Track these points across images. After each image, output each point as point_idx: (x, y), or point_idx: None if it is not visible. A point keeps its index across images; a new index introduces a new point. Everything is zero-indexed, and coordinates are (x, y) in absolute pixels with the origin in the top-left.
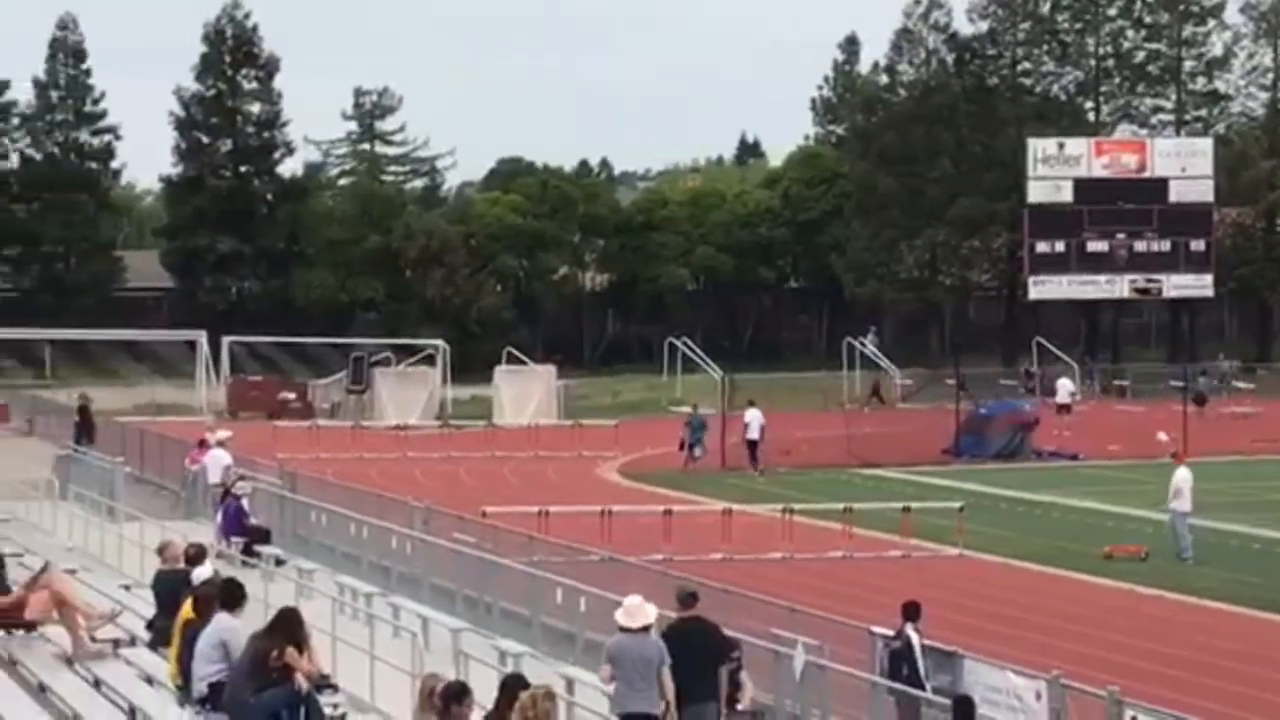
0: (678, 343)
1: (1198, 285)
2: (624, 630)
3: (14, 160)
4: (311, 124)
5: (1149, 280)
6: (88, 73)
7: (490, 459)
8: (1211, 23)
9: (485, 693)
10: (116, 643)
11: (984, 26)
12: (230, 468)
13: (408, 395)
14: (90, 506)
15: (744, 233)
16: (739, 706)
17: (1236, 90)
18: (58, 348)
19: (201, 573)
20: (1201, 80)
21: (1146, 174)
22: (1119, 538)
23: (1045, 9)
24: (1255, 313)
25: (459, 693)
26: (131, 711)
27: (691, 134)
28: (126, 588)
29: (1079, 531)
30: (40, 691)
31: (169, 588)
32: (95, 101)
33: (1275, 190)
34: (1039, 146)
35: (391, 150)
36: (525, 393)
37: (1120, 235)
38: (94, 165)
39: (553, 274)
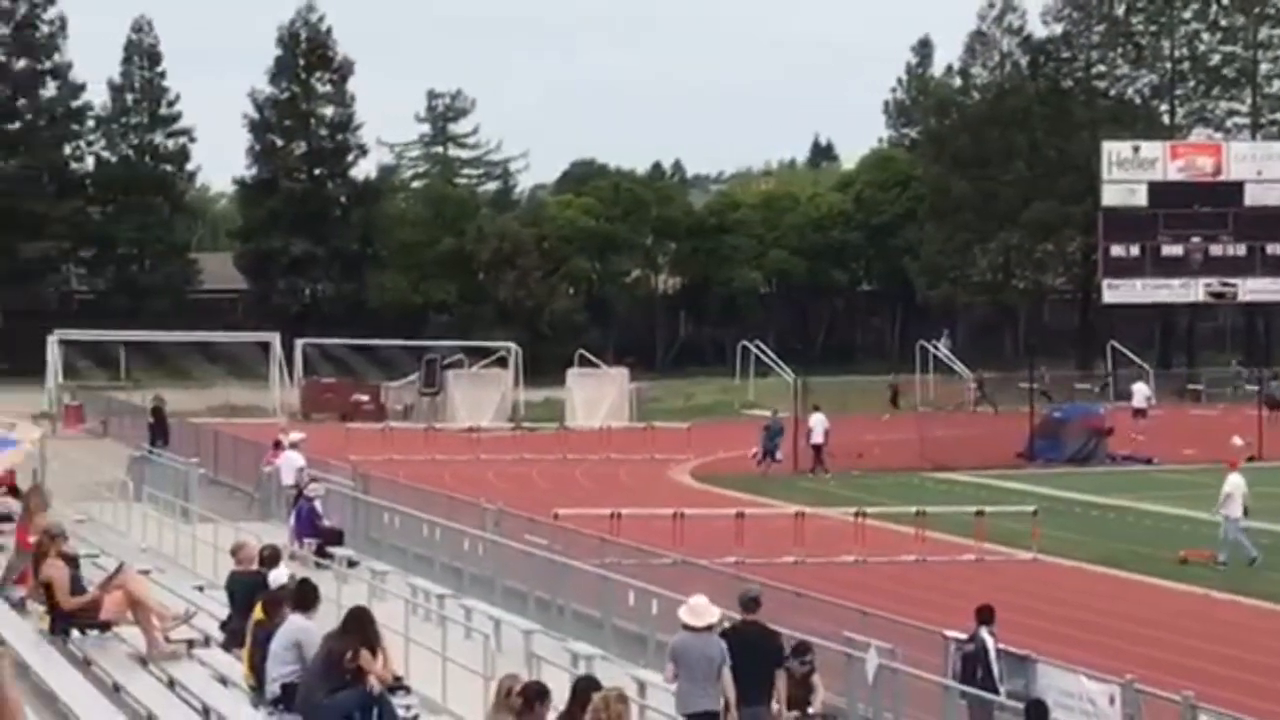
0: (750, 346)
1: (1273, 289)
2: (688, 629)
3: (90, 163)
4: (385, 127)
5: (1224, 284)
6: (162, 75)
7: (562, 461)
8: None
9: (557, 695)
10: (190, 643)
11: (1058, 29)
12: (303, 469)
13: (480, 397)
14: (164, 508)
15: (817, 235)
16: (810, 710)
17: None
18: (132, 349)
19: (278, 576)
20: (1277, 83)
21: (1222, 177)
22: (1193, 542)
23: (1120, 11)
24: None
25: (541, 692)
26: (205, 712)
27: (764, 137)
28: (200, 589)
29: (1153, 536)
30: (115, 691)
31: (243, 589)
32: (170, 104)
33: None
34: (1114, 150)
35: (464, 153)
36: (597, 395)
37: (1195, 239)
38: (169, 167)
39: (625, 276)
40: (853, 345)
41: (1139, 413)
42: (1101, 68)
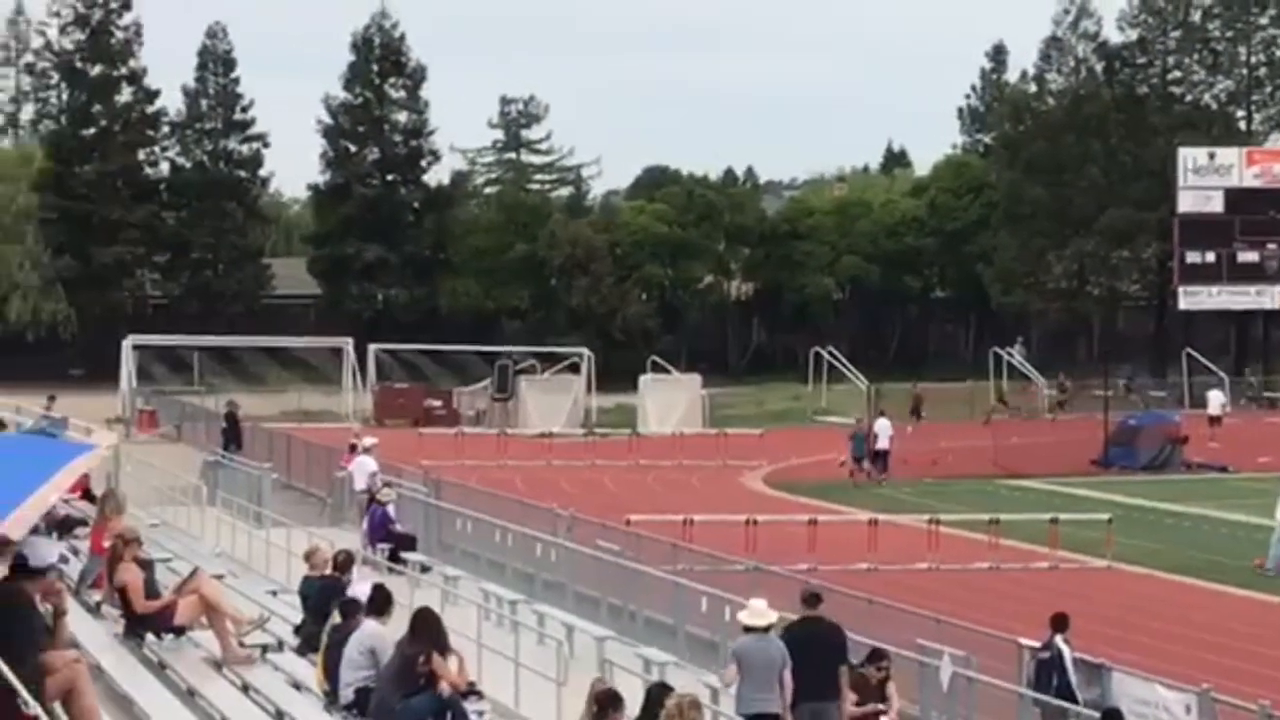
0: (823, 352)
1: None
2: (749, 630)
3: (164, 168)
4: (458, 133)
5: None
6: (237, 81)
7: (634, 467)
8: None
9: (630, 701)
10: (264, 648)
11: (1134, 35)
12: (376, 474)
13: (552, 403)
14: (238, 512)
15: (890, 242)
16: (885, 718)
17: None
18: (206, 354)
19: (363, 590)
20: None
21: None
22: (1267, 550)
23: (1196, 17)
24: None
25: (614, 698)
26: (279, 717)
27: (837, 143)
28: (274, 593)
29: (1228, 544)
30: (189, 696)
31: (316, 594)
32: (244, 110)
33: None
34: (1189, 156)
35: (537, 159)
36: (670, 401)
37: (1271, 245)
38: (243, 173)
39: (698, 283)
40: (925, 352)
41: (1214, 420)
42: (1177, 74)
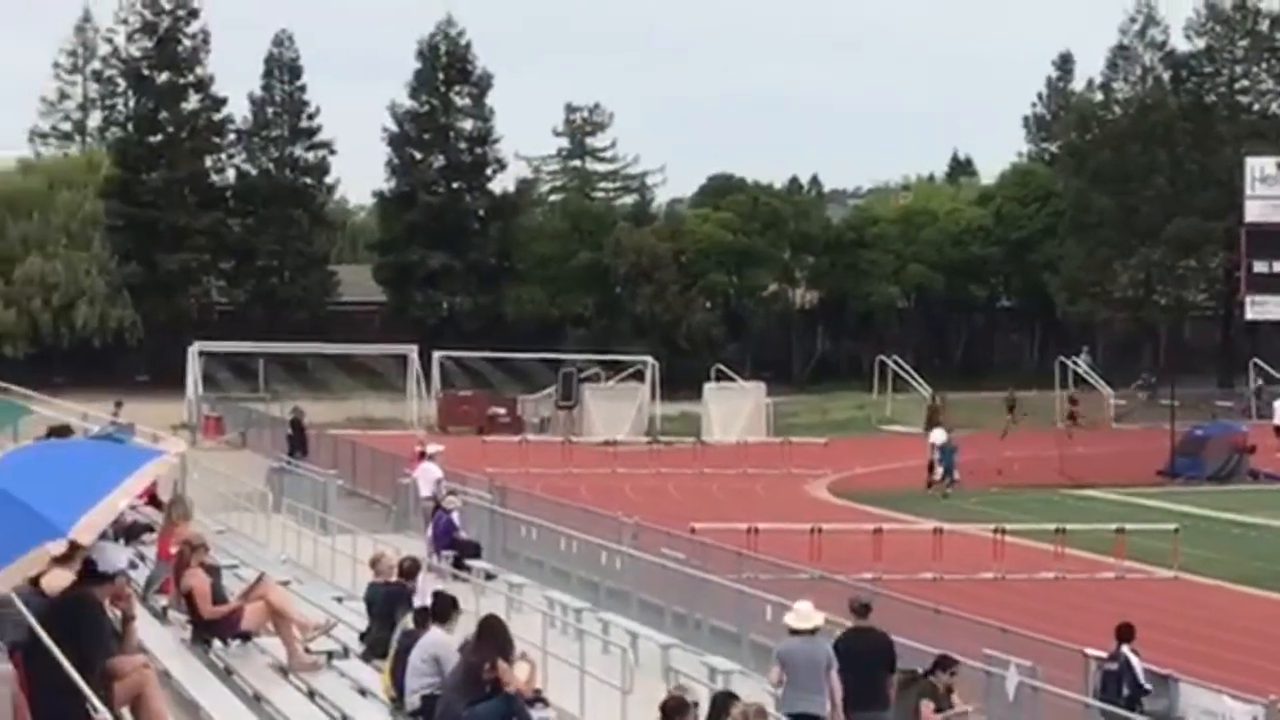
0: (887, 361)
1: None
2: (794, 633)
3: (230, 175)
4: (523, 140)
5: None
6: (303, 89)
7: (699, 475)
8: None
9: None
10: (330, 654)
11: (1201, 44)
12: (441, 481)
13: (617, 411)
14: (303, 519)
15: (955, 250)
16: None
17: None
18: (271, 361)
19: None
20: None
21: None
22: None
23: (1264, 26)
24: None
25: (680, 707)
26: None
27: (902, 151)
28: (339, 600)
29: None
30: (255, 701)
31: (382, 600)
32: (310, 117)
33: None
34: (1257, 165)
35: (602, 166)
36: (734, 409)
37: None
38: (309, 180)
39: (762, 291)
40: (990, 361)
41: None
42: (1245, 82)
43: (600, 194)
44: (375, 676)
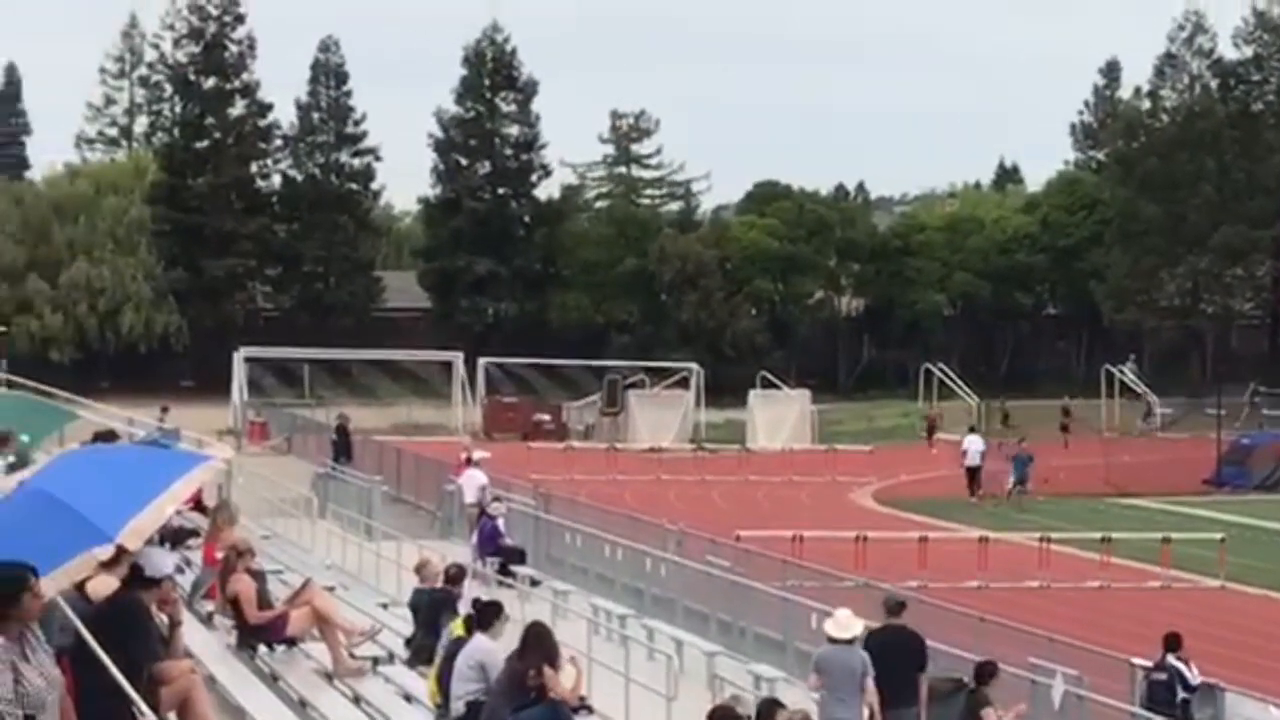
0: (933, 369)
1: None
2: (832, 641)
3: (276, 181)
4: (568, 147)
5: None
6: (349, 94)
7: (744, 483)
8: None
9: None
10: (375, 660)
11: (1249, 52)
12: (486, 488)
13: (662, 418)
14: (348, 524)
15: (1002, 258)
16: None
17: None
18: (316, 367)
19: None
20: None
21: None
22: None
23: None
24: None
25: (725, 715)
26: None
27: (949, 158)
28: (384, 605)
29: None
30: (301, 707)
31: (427, 606)
32: (356, 123)
33: None
34: None
35: (647, 173)
36: (779, 417)
37: None
38: (354, 186)
39: (808, 298)
40: (1036, 369)
41: None
42: None
43: (645, 200)
44: (420, 682)
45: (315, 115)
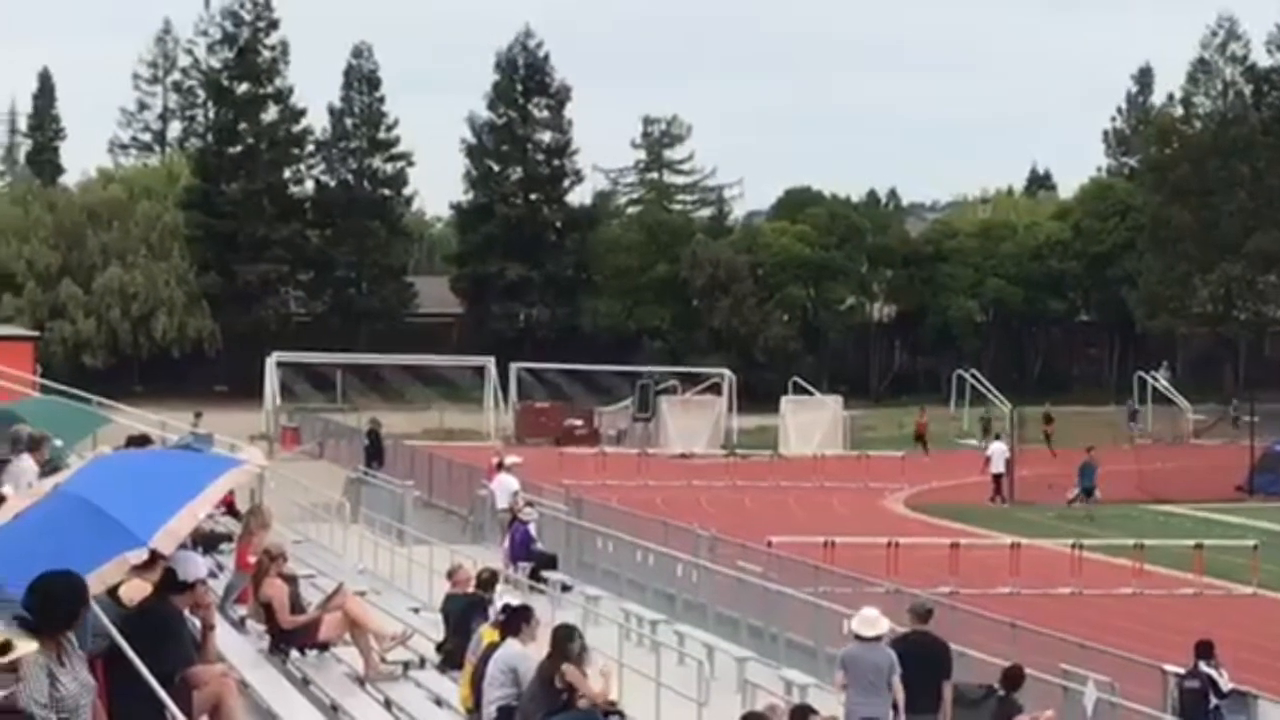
0: (965, 375)
1: None
2: (859, 639)
3: (309, 186)
4: (600, 152)
5: None
6: (381, 100)
7: (775, 488)
8: None
9: None
10: (406, 665)
11: None
12: (518, 493)
13: (693, 423)
14: (380, 529)
15: (1034, 265)
16: None
17: None
18: (349, 372)
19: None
20: None
21: None
22: None
23: None
24: None
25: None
26: None
27: (981, 165)
28: (416, 610)
29: None
30: (332, 711)
31: (458, 611)
32: (389, 129)
33: None
34: None
35: (679, 179)
36: (811, 423)
37: None
38: (387, 191)
39: (840, 304)
40: (1069, 376)
41: None
42: None
43: (677, 206)
44: (451, 687)
45: (348, 121)
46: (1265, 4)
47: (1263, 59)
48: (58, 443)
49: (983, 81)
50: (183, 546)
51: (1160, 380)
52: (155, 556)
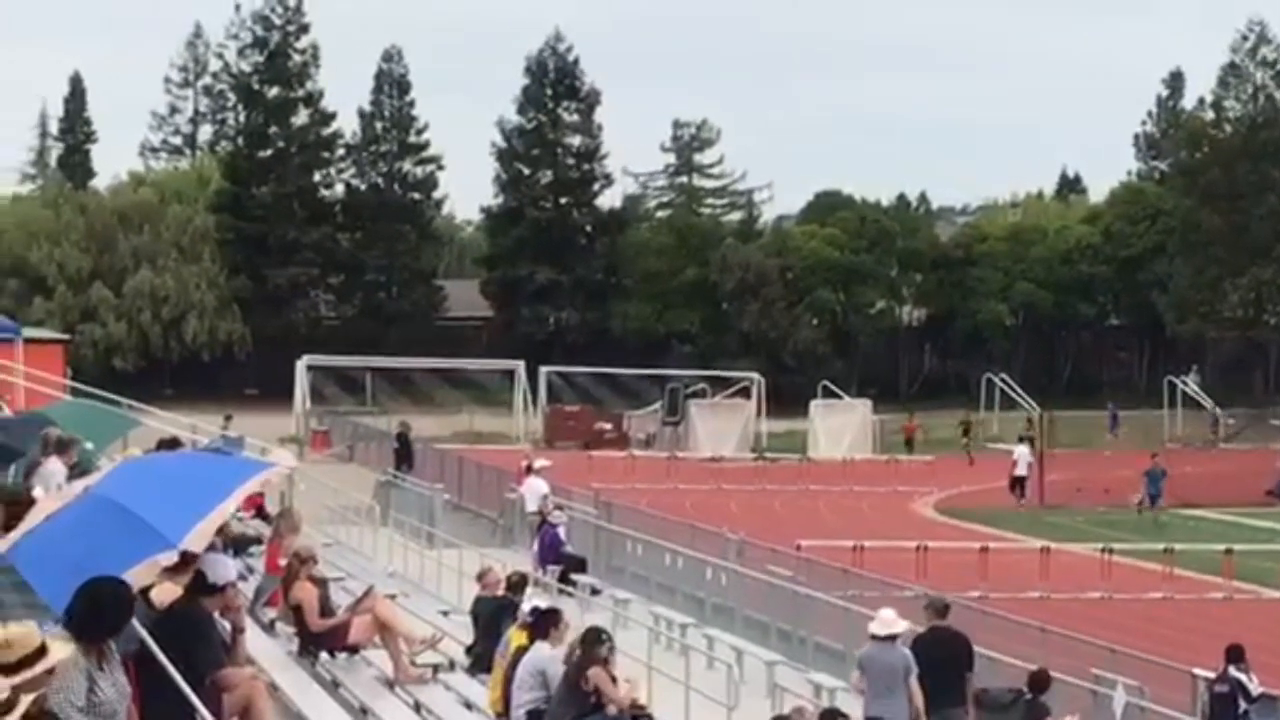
0: (995, 379)
1: None
2: (874, 639)
3: (339, 190)
4: (630, 156)
5: None
6: (412, 104)
7: (804, 492)
8: None
9: None
10: (436, 668)
11: None
12: (547, 496)
13: (723, 427)
14: (409, 532)
15: (1064, 268)
16: None
17: None
18: (379, 375)
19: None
20: None
21: None
22: None
23: None
24: None
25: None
26: None
27: (1011, 168)
28: (445, 613)
29: None
30: (362, 714)
31: (488, 614)
32: (419, 132)
33: None
34: None
35: (709, 183)
36: (841, 427)
37: None
38: (417, 195)
39: (870, 308)
40: (1099, 380)
41: None
42: None
43: (707, 210)
44: (481, 690)
45: (378, 124)
46: None
47: None
48: (88, 446)
49: (1013, 85)
50: (212, 549)
51: (1190, 384)
52: (186, 559)
